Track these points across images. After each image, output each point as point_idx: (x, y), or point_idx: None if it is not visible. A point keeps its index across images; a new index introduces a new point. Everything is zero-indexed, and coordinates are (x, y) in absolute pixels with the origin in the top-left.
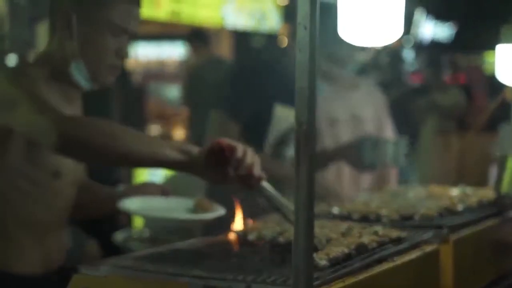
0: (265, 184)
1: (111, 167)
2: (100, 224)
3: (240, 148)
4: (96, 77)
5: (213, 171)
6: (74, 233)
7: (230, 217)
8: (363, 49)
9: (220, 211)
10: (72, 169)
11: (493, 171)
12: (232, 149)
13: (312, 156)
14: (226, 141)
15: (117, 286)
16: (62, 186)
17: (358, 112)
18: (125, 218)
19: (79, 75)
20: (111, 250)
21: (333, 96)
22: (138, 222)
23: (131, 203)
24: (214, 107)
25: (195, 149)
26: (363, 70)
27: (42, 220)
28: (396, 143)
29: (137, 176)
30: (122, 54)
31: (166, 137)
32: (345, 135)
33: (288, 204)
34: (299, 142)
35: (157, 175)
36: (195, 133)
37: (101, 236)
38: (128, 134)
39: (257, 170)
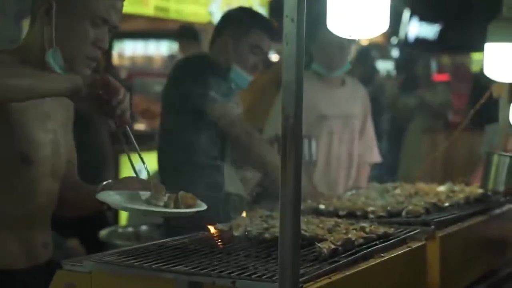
0: (128, 129)
1: (98, 167)
2: (85, 221)
3: (123, 90)
4: (71, 66)
5: (92, 102)
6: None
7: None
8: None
9: (201, 206)
10: (48, 158)
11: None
12: (116, 89)
13: (299, 150)
14: (112, 79)
15: (101, 282)
16: (37, 175)
17: (346, 108)
18: (111, 216)
19: (55, 63)
20: (95, 247)
21: (321, 93)
22: (123, 220)
23: (108, 196)
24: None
25: (79, 79)
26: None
27: (21, 213)
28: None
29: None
30: (100, 45)
31: (151, 135)
32: (335, 131)
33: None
34: (286, 136)
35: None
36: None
37: (86, 233)
38: (7, 69)
39: (128, 115)
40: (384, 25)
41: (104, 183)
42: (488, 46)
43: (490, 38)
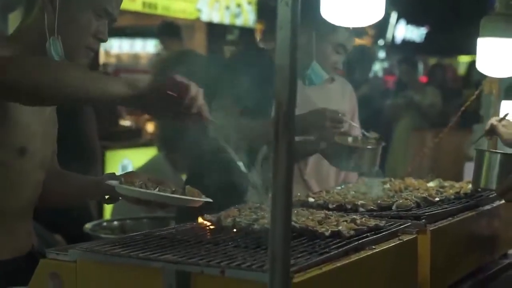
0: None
1: (86, 161)
2: (69, 216)
3: (194, 87)
4: (71, 56)
5: (162, 106)
6: (39, 227)
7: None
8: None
9: (208, 199)
10: (39, 149)
11: (467, 169)
12: (187, 86)
13: (291, 138)
14: (180, 77)
15: (86, 271)
16: (29, 166)
17: (337, 104)
18: (95, 211)
19: (55, 52)
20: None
21: (315, 88)
22: (107, 215)
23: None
24: None
25: (144, 83)
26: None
27: (10, 204)
28: (373, 149)
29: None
30: (101, 36)
31: (137, 131)
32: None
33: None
34: (278, 124)
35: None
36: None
37: (70, 229)
38: (69, 69)
39: (206, 111)
40: (379, 13)
41: (106, 175)
42: (480, 41)
43: (483, 33)
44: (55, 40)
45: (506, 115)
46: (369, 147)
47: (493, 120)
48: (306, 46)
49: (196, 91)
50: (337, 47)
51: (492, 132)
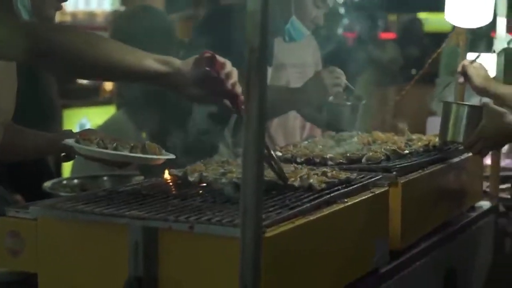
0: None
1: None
2: (28, 175)
3: (229, 64)
4: (38, 10)
5: (196, 85)
6: None
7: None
8: None
9: (170, 155)
10: (5, 106)
11: (430, 123)
12: (223, 63)
13: (263, 87)
14: (214, 54)
15: (48, 229)
16: None
17: (301, 57)
18: (54, 169)
19: (21, 4)
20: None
21: (278, 41)
22: (67, 172)
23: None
24: None
25: (177, 61)
26: None
27: None
28: (352, 106)
29: None
30: None
31: (95, 90)
32: (292, 80)
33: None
34: (250, 71)
35: None
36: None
37: (29, 188)
38: (107, 42)
39: (240, 90)
40: None
41: (63, 133)
42: None
43: None
44: None
45: (477, 56)
46: (348, 103)
47: (465, 61)
48: (285, 0)
49: (231, 67)
50: (317, 1)
51: (463, 73)
